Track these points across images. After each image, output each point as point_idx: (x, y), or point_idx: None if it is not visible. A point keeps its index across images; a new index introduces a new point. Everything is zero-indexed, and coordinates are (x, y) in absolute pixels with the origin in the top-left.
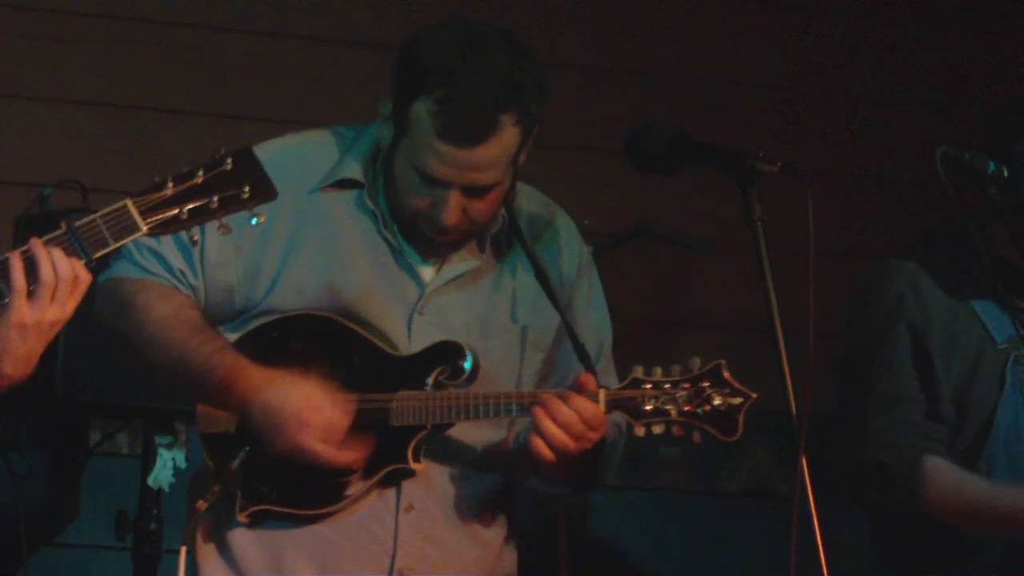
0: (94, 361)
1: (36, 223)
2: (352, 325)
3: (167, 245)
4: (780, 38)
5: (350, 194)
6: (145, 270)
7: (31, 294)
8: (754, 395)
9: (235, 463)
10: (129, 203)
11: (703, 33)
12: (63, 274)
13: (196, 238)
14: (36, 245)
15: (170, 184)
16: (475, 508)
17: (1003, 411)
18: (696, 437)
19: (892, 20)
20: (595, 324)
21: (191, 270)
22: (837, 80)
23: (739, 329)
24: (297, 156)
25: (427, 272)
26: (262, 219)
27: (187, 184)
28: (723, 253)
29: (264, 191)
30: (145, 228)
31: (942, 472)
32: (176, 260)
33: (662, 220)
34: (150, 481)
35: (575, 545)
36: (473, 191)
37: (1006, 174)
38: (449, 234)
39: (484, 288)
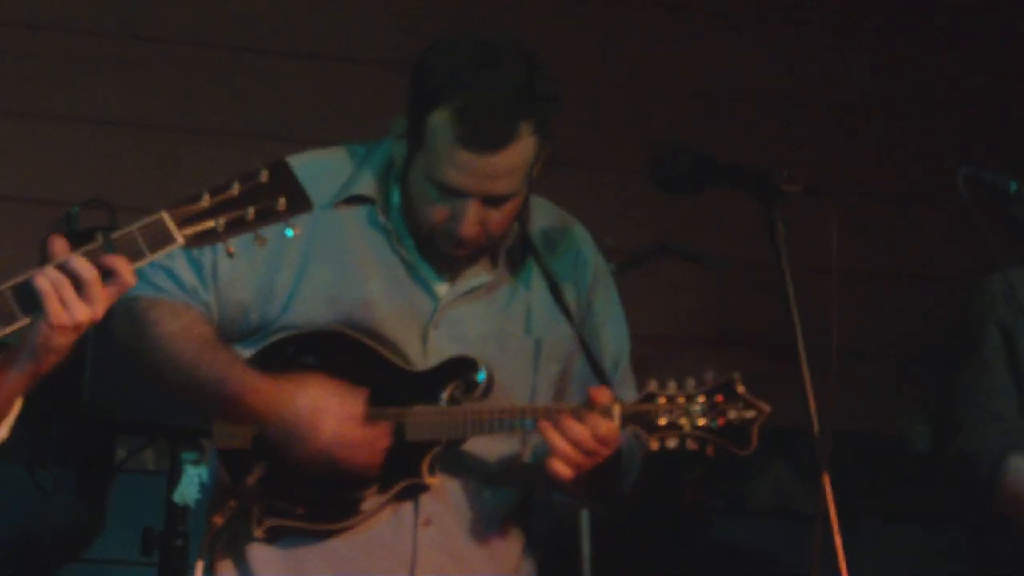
0: (120, 378)
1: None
2: (366, 340)
3: (179, 262)
4: (801, 56)
5: (362, 210)
6: (158, 288)
7: (63, 299)
8: (768, 409)
9: (251, 478)
10: (165, 215)
11: (724, 52)
12: (89, 276)
13: (232, 250)
14: (71, 258)
15: (206, 196)
16: (492, 522)
17: None
18: (710, 451)
19: (903, 32)
20: (612, 336)
21: (203, 286)
22: (843, 95)
23: (761, 347)
24: (309, 174)
25: (441, 287)
26: (297, 230)
27: (223, 196)
28: (745, 270)
29: (300, 203)
30: (181, 239)
31: (1021, 473)
32: (188, 277)
33: (684, 238)
34: (176, 497)
35: (597, 563)
36: (491, 201)
37: None
38: (466, 247)
39: (498, 301)
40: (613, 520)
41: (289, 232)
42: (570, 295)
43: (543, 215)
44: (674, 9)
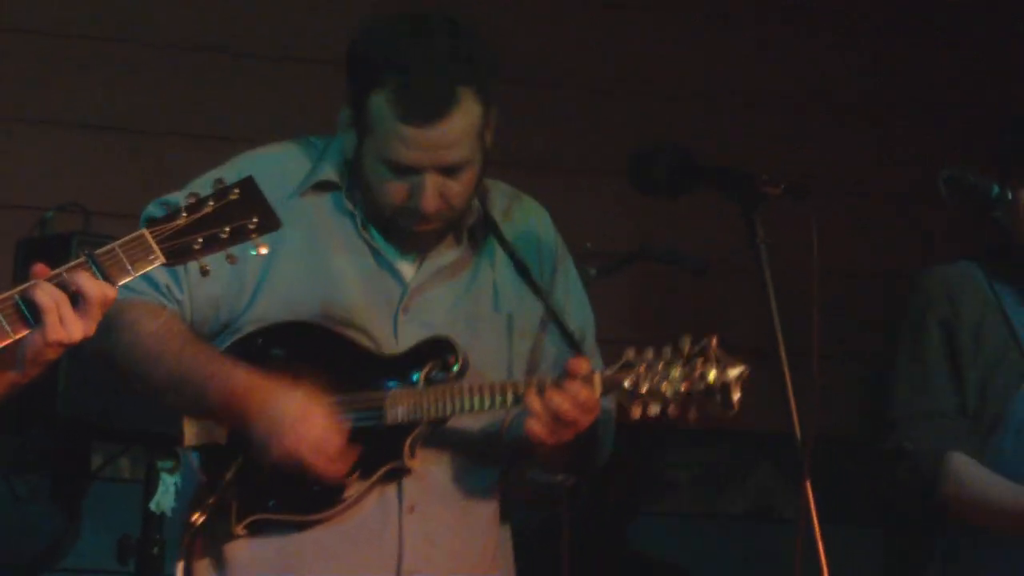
0: (96, 385)
1: (37, 246)
2: (337, 329)
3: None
4: (783, 55)
5: (328, 197)
6: (131, 289)
7: (61, 315)
8: (747, 369)
9: (229, 474)
10: (146, 233)
11: (704, 53)
12: (86, 291)
13: (208, 268)
14: (63, 275)
15: (183, 215)
16: (475, 508)
17: (1019, 403)
18: (692, 415)
19: (903, 32)
20: (576, 311)
21: (176, 285)
22: (842, 95)
23: (743, 351)
24: (271, 165)
25: (408, 270)
26: (263, 250)
27: (199, 214)
28: (725, 274)
29: (270, 222)
30: (163, 257)
31: (967, 468)
32: (161, 276)
33: (664, 242)
34: (152, 505)
35: (579, 568)
36: (447, 171)
37: (1009, 197)
38: (430, 221)
39: (465, 280)
40: (594, 521)
41: (253, 251)
42: (534, 272)
43: (500, 195)
44: (668, 8)
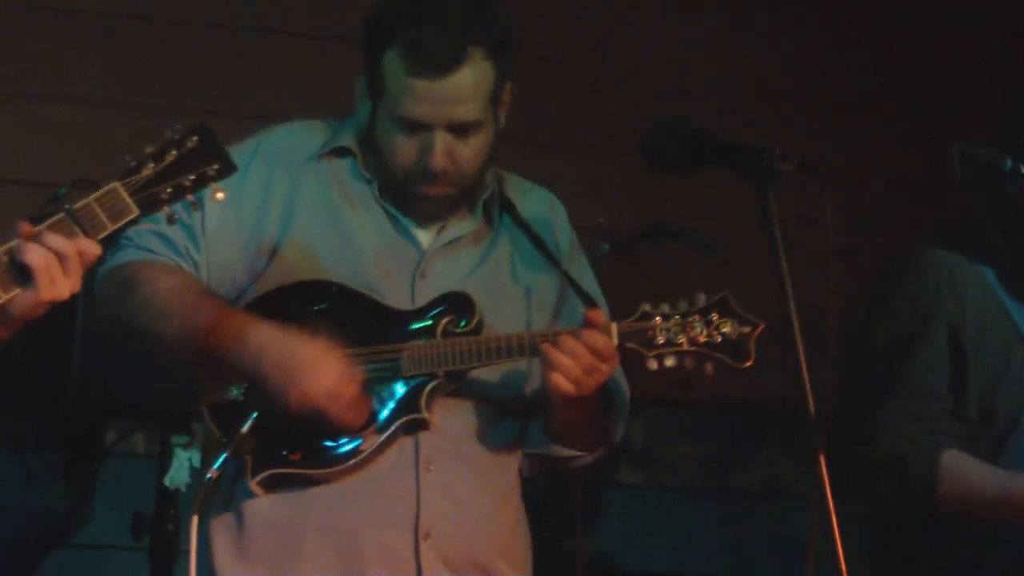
0: (109, 361)
1: None
2: (354, 286)
3: (166, 224)
4: (804, 48)
5: (346, 162)
6: (149, 250)
7: (51, 274)
8: (762, 323)
9: (244, 428)
10: (118, 185)
11: (716, 34)
12: (68, 250)
13: (175, 217)
14: (46, 234)
15: (150, 165)
16: (494, 471)
17: None
18: (708, 368)
19: (909, 26)
20: (593, 296)
21: (194, 245)
22: (849, 81)
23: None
24: (291, 135)
25: (425, 237)
26: (219, 195)
27: (165, 163)
28: (738, 252)
29: (228, 166)
30: (137, 210)
31: (961, 463)
32: (179, 237)
33: (678, 220)
34: (167, 481)
35: (591, 543)
36: (456, 130)
37: (1022, 170)
38: (440, 183)
39: (482, 250)
40: (607, 500)
41: (220, 195)
42: (550, 246)
43: (516, 183)
44: None
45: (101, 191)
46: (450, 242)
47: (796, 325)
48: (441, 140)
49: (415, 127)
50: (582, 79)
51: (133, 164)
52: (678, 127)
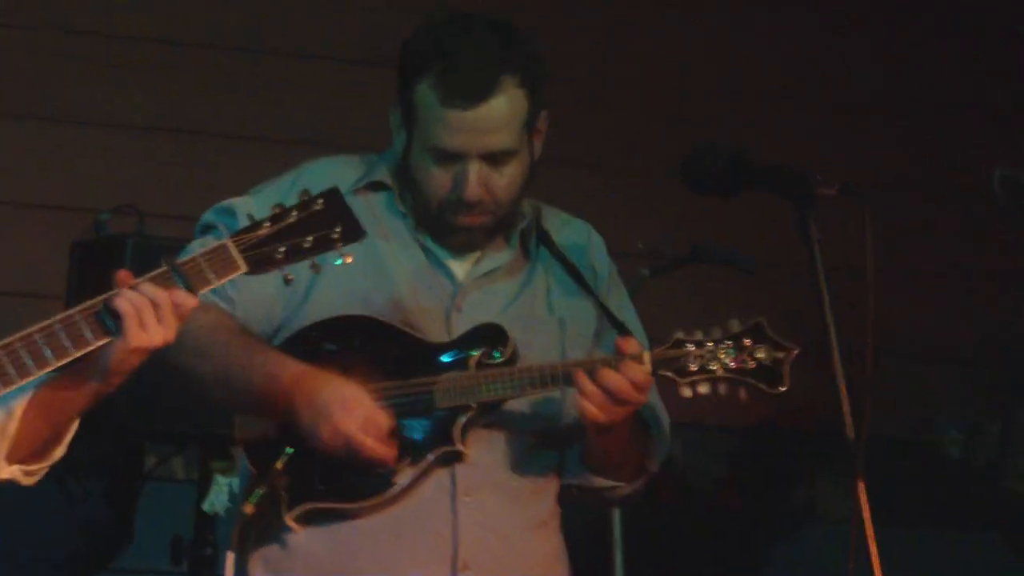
0: (150, 387)
1: (92, 248)
2: (389, 321)
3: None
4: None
5: (381, 196)
6: None
7: (142, 321)
8: (797, 348)
9: (279, 463)
10: (229, 243)
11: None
12: (161, 299)
13: (291, 277)
14: (141, 283)
15: (266, 224)
16: (531, 501)
17: None
18: (743, 394)
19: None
20: (630, 329)
21: (230, 282)
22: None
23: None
24: (328, 168)
25: (460, 269)
26: (348, 260)
27: (282, 224)
28: (778, 274)
29: (353, 232)
30: (245, 267)
31: None
32: None
33: (717, 242)
34: (205, 506)
35: (630, 567)
36: (490, 159)
37: None
38: (475, 213)
39: (518, 283)
40: (645, 522)
41: (339, 261)
42: (588, 278)
43: (554, 215)
44: (703, 8)
45: (211, 247)
46: (486, 273)
47: (835, 347)
48: (475, 170)
49: (449, 157)
50: (615, 101)
51: (248, 224)
52: (717, 150)
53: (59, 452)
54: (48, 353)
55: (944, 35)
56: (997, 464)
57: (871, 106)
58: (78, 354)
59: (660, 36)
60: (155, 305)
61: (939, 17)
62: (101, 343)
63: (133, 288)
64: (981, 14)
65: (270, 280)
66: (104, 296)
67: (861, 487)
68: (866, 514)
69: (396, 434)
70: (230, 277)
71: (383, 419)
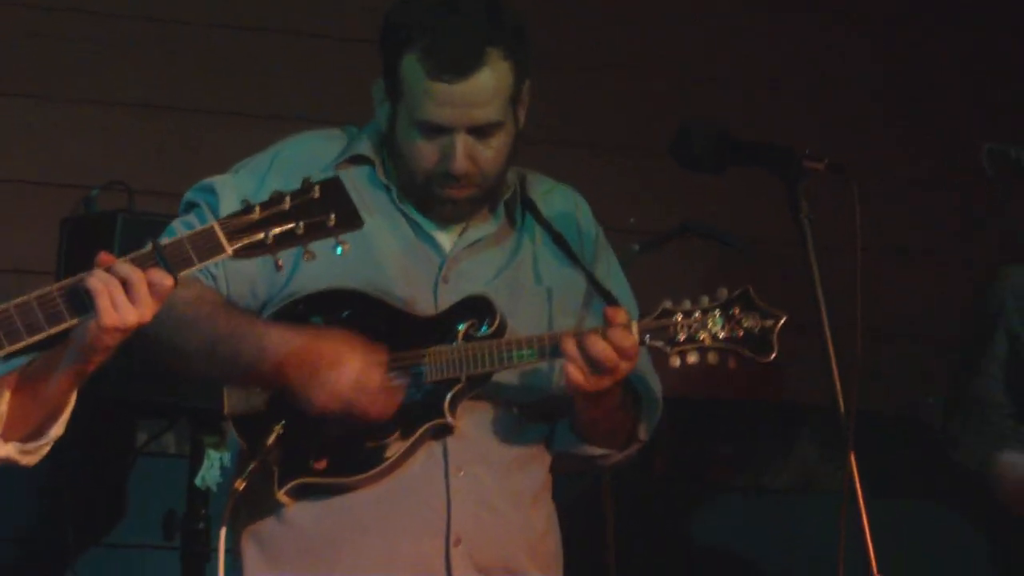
0: (140, 361)
1: (83, 225)
2: (376, 294)
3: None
4: (821, 40)
5: (363, 170)
6: None
7: (114, 300)
8: (785, 316)
9: (270, 437)
10: (216, 226)
11: (747, 32)
12: (134, 278)
13: (281, 263)
14: (117, 262)
15: (257, 208)
16: (522, 474)
17: None
18: (732, 363)
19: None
20: (620, 296)
21: None
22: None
23: (786, 326)
24: (309, 143)
25: (447, 240)
26: (347, 248)
27: (274, 209)
28: (768, 250)
29: (350, 221)
30: (230, 251)
31: (1018, 464)
32: None
33: (707, 218)
34: (197, 481)
35: (622, 539)
36: (476, 132)
37: None
38: (462, 186)
39: (505, 253)
40: (637, 496)
41: (339, 250)
42: (575, 247)
43: (539, 181)
44: None
45: (198, 229)
46: (472, 244)
47: (826, 320)
48: (462, 143)
49: (436, 130)
50: (608, 78)
51: (240, 208)
52: (705, 127)
53: (56, 431)
54: (21, 328)
55: (944, 35)
56: (943, 440)
57: (871, 106)
58: (52, 331)
59: (657, 17)
60: (128, 284)
61: (939, 17)
62: (74, 322)
63: (108, 267)
64: (981, 14)
65: (254, 259)
66: (80, 276)
67: (852, 460)
68: (857, 486)
69: (390, 390)
70: (213, 260)
71: (375, 373)
